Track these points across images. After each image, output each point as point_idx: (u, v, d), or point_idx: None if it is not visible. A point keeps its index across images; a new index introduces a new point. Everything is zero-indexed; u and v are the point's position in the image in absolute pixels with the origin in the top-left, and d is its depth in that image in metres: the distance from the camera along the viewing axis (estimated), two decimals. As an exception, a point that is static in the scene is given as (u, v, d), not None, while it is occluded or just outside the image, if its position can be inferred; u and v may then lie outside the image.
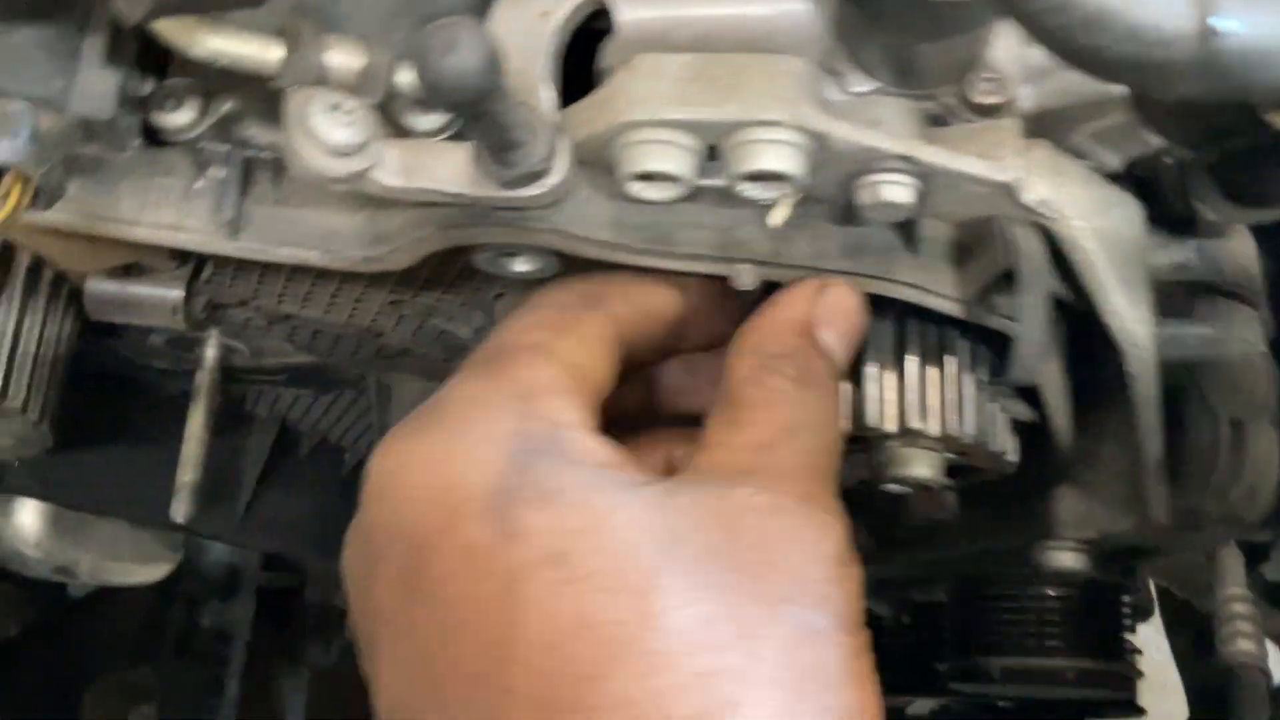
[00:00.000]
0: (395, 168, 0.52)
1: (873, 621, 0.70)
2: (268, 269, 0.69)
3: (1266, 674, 0.76)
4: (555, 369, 0.50)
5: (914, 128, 0.55)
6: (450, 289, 0.70)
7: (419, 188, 0.52)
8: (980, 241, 0.58)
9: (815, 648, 0.44)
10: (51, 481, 0.94)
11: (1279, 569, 0.90)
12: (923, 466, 0.61)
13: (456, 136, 0.59)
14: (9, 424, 0.70)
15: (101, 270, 0.70)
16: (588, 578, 0.43)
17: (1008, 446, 0.63)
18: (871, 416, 0.60)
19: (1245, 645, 0.79)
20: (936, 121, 0.57)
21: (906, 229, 0.57)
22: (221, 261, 0.69)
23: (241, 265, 0.69)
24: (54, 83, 0.46)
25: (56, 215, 0.54)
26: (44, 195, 0.49)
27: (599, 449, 0.48)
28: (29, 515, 1.09)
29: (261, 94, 0.59)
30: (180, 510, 0.90)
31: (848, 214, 0.57)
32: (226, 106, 0.59)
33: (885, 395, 0.60)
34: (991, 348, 0.63)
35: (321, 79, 0.50)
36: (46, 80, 0.46)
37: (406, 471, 0.49)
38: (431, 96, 0.44)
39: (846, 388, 0.61)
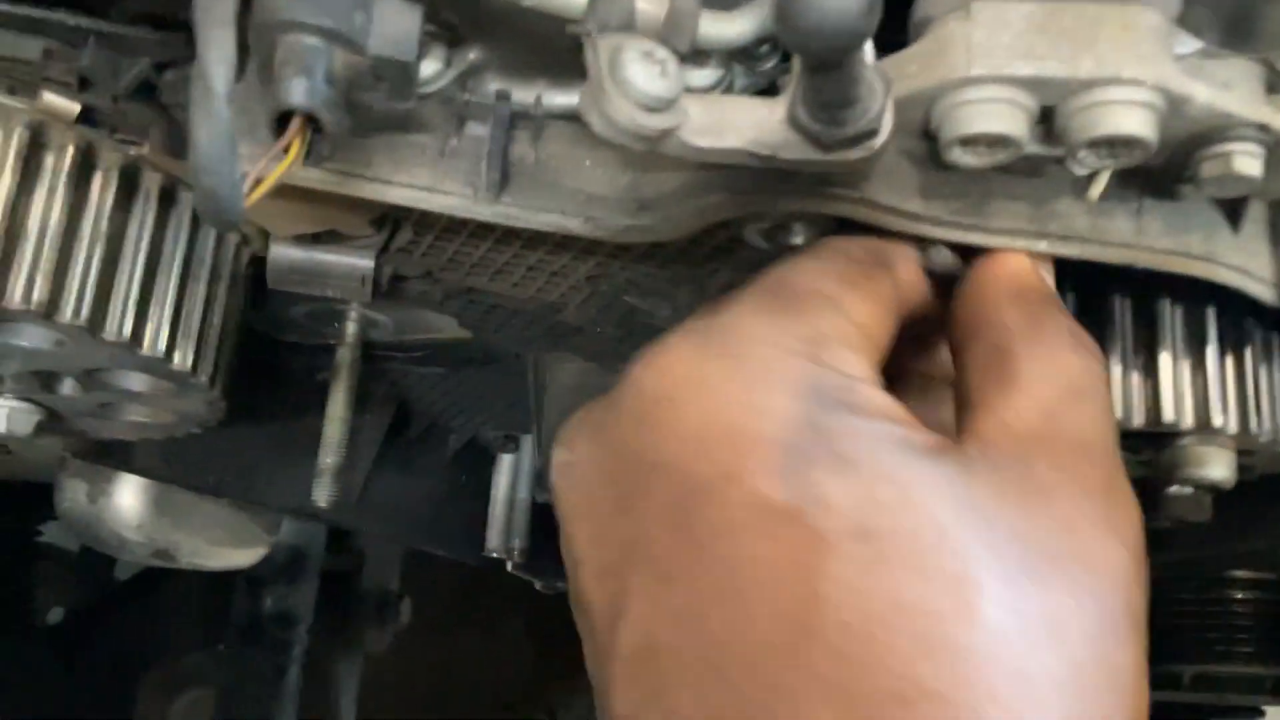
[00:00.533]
0: (700, 126, 0.46)
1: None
2: (471, 237, 0.63)
3: None
4: (844, 322, 0.46)
5: (1261, 93, 0.49)
6: (666, 263, 0.65)
7: (727, 148, 0.46)
8: (1299, 221, 0.53)
9: (1119, 649, 0.42)
10: (177, 462, 0.89)
11: None
12: (1219, 467, 0.56)
13: (727, 91, 0.54)
14: (186, 400, 0.64)
15: (288, 236, 0.64)
16: (899, 559, 0.40)
17: (1296, 445, 0.58)
18: (1168, 411, 0.55)
19: None
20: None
21: (1232, 206, 0.52)
22: (421, 229, 0.63)
23: (444, 234, 0.63)
24: (353, 17, 0.41)
25: (309, 173, 0.48)
26: (321, 148, 0.43)
27: (891, 406, 0.44)
28: (130, 496, 1.03)
29: (508, 43, 0.54)
30: (322, 494, 0.85)
31: (1163, 187, 0.52)
32: (472, 56, 0.53)
33: (1182, 388, 0.55)
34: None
35: (629, 24, 0.45)
36: (345, 13, 0.40)
37: (685, 400, 0.44)
38: (804, 41, 0.39)
39: (1133, 377, 0.56)
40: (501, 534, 1.18)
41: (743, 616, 0.41)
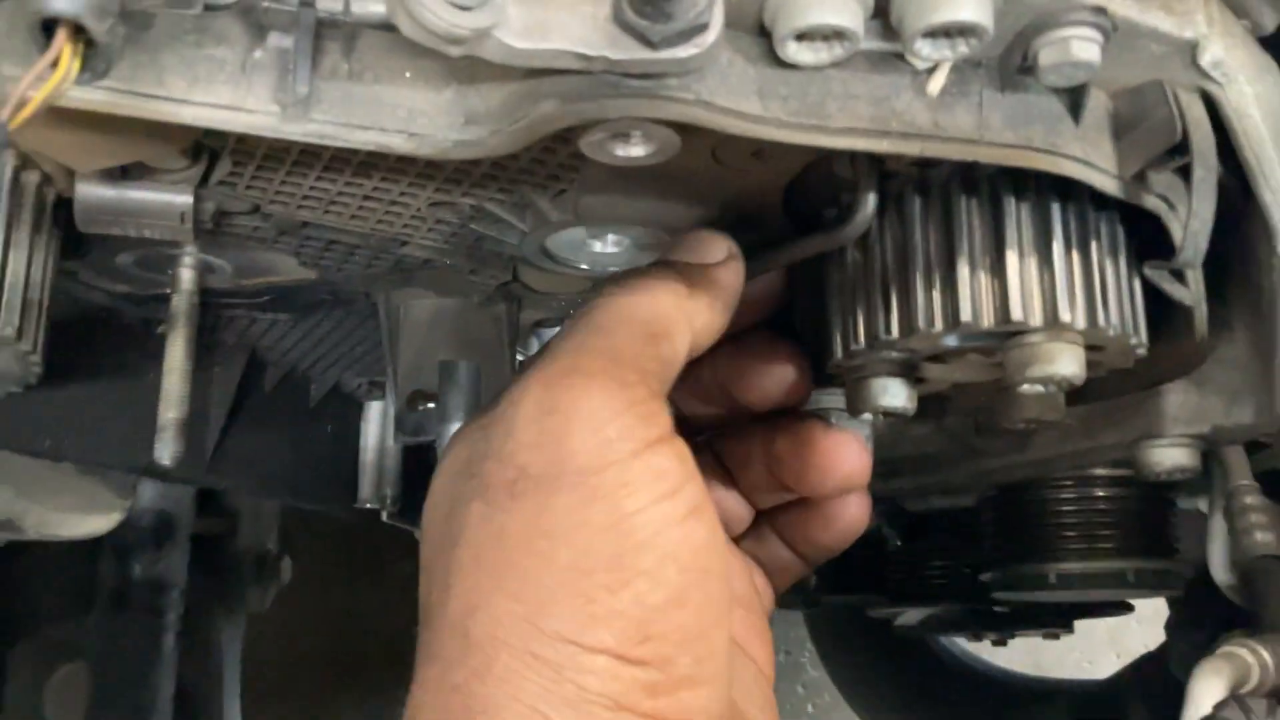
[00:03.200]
0: (520, 26, 0.43)
1: (867, 537, 0.67)
2: (296, 166, 0.59)
3: None
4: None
5: (1095, -26, 0.48)
6: (510, 185, 0.62)
7: (550, 50, 0.43)
8: (1137, 112, 0.53)
9: None
10: (5, 426, 0.83)
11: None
12: (1069, 363, 0.55)
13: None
14: (-4, 357, 0.59)
15: (94, 172, 0.59)
16: None
17: (1143, 338, 0.59)
18: (1016, 309, 0.54)
19: (1262, 537, 0.78)
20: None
21: (1073, 96, 0.51)
22: (241, 159, 0.59)
23: (265, 163, 0.59)
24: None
25: (88, 92, 0.44)
26: (96, 62, 0.39)
27: None
28: (-37, 465, 0.96)
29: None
30: (165, 451, 0.80)
31: (1004, 79, 0.51)
32: (274, -40, 0.49)
33: (1030, 286, 0.54)
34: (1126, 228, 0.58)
35: (433, -87, 0.41)
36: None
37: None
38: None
39: (980, 278, 0.55)
40: (373, 484, 1.15)
41: None
